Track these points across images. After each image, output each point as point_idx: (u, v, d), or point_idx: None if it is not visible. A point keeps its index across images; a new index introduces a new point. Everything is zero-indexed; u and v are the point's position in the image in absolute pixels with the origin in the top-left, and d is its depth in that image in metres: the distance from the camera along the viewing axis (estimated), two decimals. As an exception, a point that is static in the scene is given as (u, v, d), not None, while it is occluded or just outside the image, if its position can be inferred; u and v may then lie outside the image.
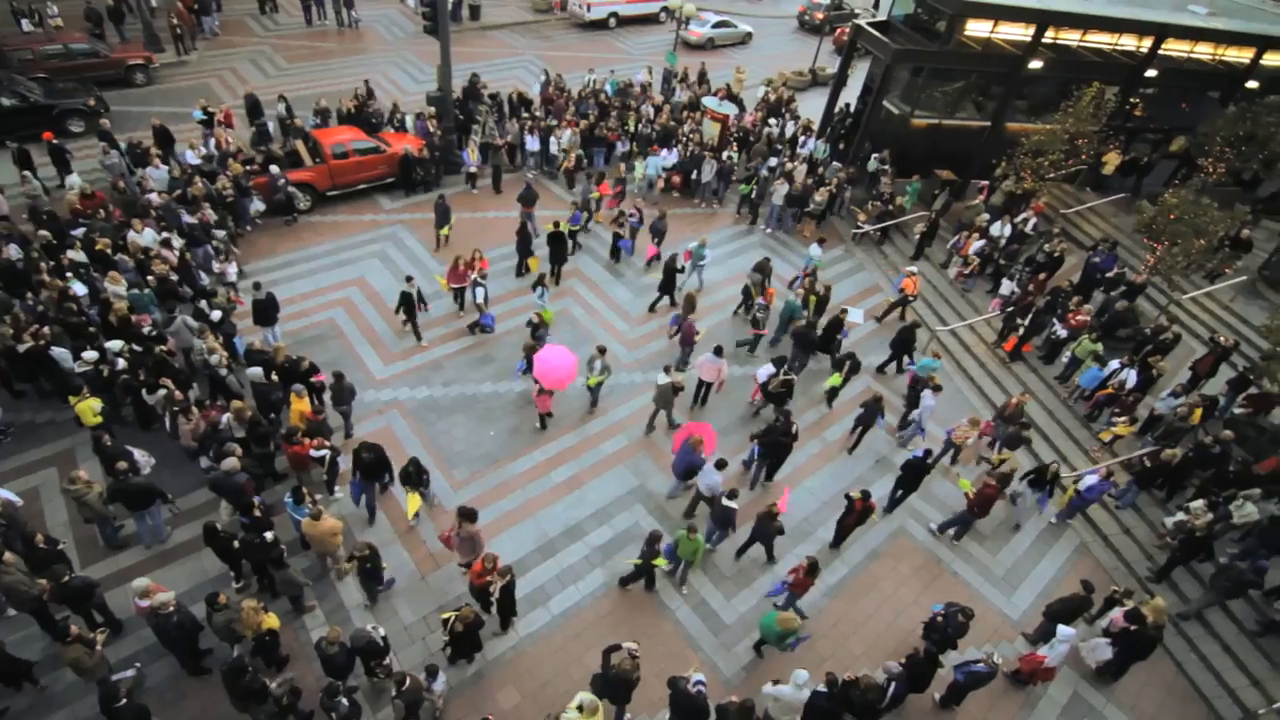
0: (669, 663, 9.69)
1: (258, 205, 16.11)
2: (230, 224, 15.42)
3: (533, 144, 19.33)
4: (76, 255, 13.06)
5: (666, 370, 12.53)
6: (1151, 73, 19.16)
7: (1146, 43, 19.03)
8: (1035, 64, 18.37)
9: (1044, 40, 18.43)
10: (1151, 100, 20.36)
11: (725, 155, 19.68)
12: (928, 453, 11.85)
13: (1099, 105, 17.11)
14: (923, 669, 9.12)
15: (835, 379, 13.54)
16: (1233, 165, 18.19)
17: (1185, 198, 14.99)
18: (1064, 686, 10.30)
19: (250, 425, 10.48)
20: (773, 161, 19.67)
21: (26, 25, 22.21)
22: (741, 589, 10.87)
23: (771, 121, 21.90)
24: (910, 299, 16.10)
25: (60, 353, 11.14)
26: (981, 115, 20.00)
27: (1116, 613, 10.06)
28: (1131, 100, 19.87)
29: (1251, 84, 19.42)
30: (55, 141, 16.03)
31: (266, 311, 12.78)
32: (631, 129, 20.43)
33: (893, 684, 9.03)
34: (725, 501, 10.54)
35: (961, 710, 9.79)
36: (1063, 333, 14.63)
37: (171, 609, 8.16)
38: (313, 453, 10.53)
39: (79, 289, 12.35)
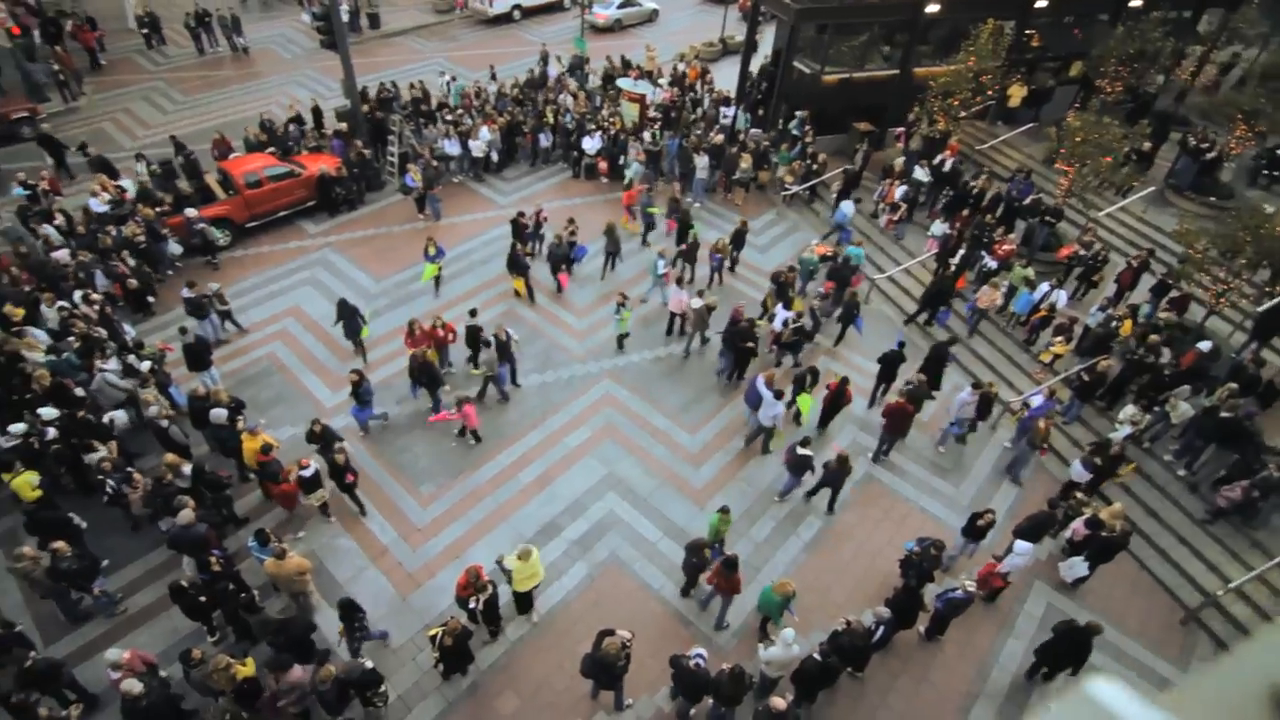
0: (663, 642, 9.80)
1: (174, 248, 15.45)
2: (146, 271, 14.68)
3: (452, 147, 18.95)
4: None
5: (700, 294, 14.24)
6: (1042, 2, 19.81)
7: (1034, -27, 19.66)
8: (932, 7, 18.77)
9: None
10: (1046, 29, 21.06)
11: (647, 135, 19.68)
12: (902, 344, 12.90)
13: (997, 40, 17.64)
14: (907, 605, 9.46)
15: (806, 401, 12.61)
16: (1129, 83, 19.02)
17: (1088, 119, 15.62)
18: (1038, 600, 10.80)
19: (195, 473, 10.13)
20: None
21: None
22: (722, 558, 11.05)
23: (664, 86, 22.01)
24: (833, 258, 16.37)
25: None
26: (889, 65, 20.42)
27: (1077, 523, 10.57)
28: (1027, 31, 20.52)
29: (1134, 3, 20.26)
30: None
31: (199, 356, 12.29)
32: (551, 121, 20.21)
33: (881, 627, 9.35)
34: (800, 450, 10.97)
35: (946, 639, 10.18)
36: (993, 264, 15.15)
37: (138, 692, 7.70)
38: (301, 473, 10.28)
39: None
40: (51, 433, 10.47)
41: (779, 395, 11.80)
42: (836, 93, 20.15)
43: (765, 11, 20.80)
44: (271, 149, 18.37)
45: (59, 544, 9.10)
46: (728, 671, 8.09)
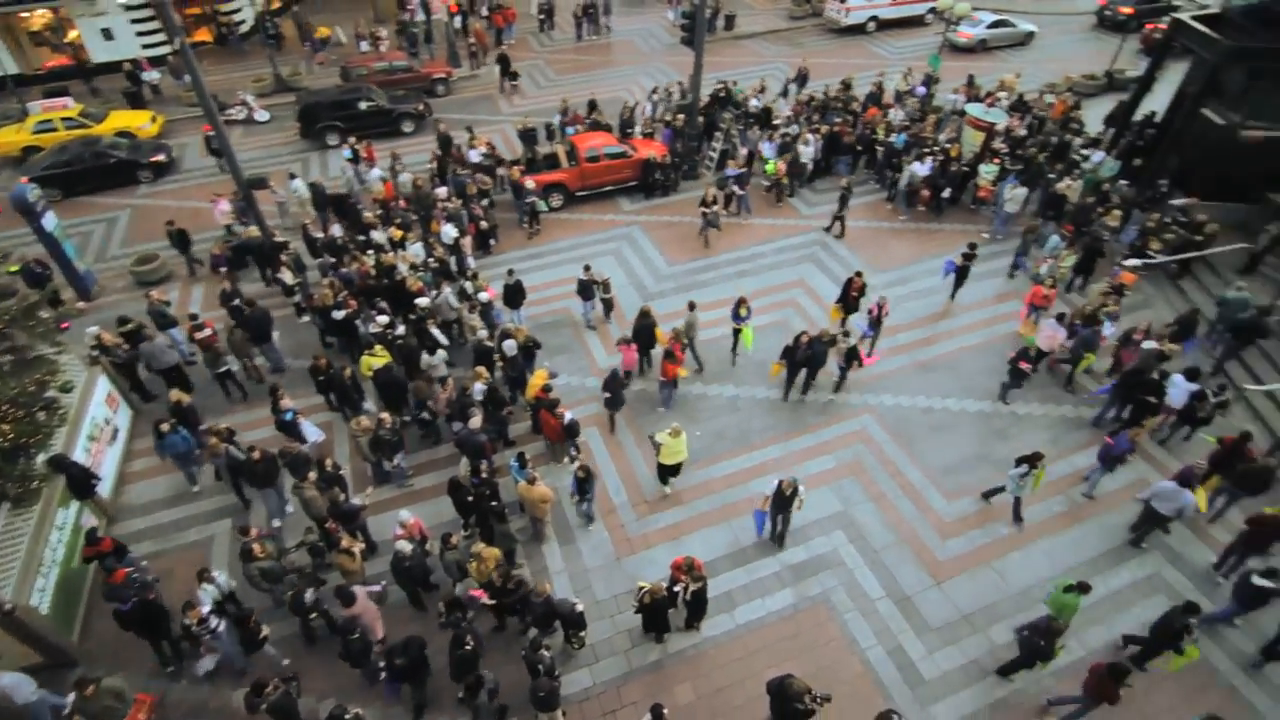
0: (851, 703, 9.09)
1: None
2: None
3: (770, 150, 19.19)
4: (380, 236, 15.71)
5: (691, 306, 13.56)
6: None
7: None
8: None
9: None
10: None
11: (984, 169, 17.84)
12: None
13: None
14: None
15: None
16: None
17: None
18: None
19: (489, 392, 11.79)
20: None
21: (365, 46, 27.29)
22: (947, 645, 9.81)
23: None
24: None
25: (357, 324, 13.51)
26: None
27: None
28: None
29: None
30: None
31: (514, 296, 14.27)
32: (881, 136, 19.38)
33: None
34: (1259, 580, 9.17)
35: None
36: None
37: (407, 553, 9.45)
38: (567, 417, 11.47)
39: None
40: (401, 329, 13.01)
41: (1185, 482, 10.16)
42: (1255, 154, 16.09)
43: (1179, 46, 17.36)
44: (609, 127, 20.44)
45: (385, 415, 11.34)
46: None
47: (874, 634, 9.94)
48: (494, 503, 10.61)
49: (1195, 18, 17.12)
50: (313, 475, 10.45)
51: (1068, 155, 18.42)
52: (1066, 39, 29.17)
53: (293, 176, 17.86)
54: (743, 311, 13.54)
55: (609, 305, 14.96)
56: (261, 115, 23.39)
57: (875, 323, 13.72)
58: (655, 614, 9.36)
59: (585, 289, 14.54)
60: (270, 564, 9.42)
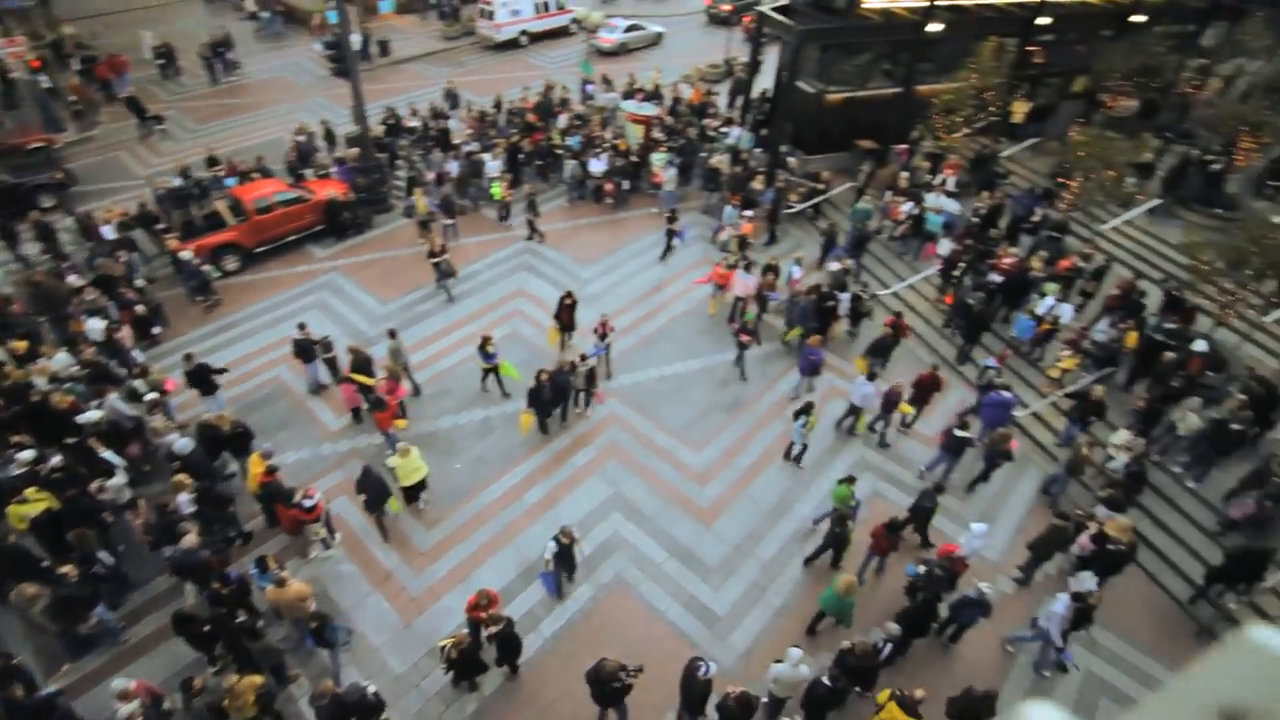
0: (668, 665, 9.63)
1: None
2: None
3: (456, 169, 19.11)
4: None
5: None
6: (1044, 20, 19.90)
7: (1035, -9, 19.82)
8: (934, 27, 18.91)
9: (939, 3, 19.01)
10: (1049, 46, 21.13)
11: (656, 157, 19.80)
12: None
13: (1000, 58, 17.73)
14: (918, 618, 9.41)
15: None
16: (1133, 96, 19.04)
17: (1091, 134, 15.63)
18: (1050, 619, 10.60)
19: (199, 494, 10.14)
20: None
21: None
22: (728, 578, 10.94)
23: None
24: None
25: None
26: (892, 83, 20.52)
27: (1083, 537, 10.40)
28: (1030, 48, 20.61)
29: (1138, 18, 20.34)
30: None
31: (202, 382, 12.30)
32: (558, 141, 20.41)
33: (889, 644, 9.22)
34: (958, 432, 11.72)
35: (959, 655, 10.01)
36: (997, 278, 15.06)
37: None
38: (305, 502, 10.27)
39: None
40: (56, 459, 10.50)
41: (872, 377, 12.82)
42: (839, 111, 20.25)
43: (768, 33, 20.99)
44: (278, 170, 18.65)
45: (67, 568, 9.11)
46: (735, 695, 7.96)
47: (668, 595, 10.68)
48: (240, 620, 9.16)
49: (774, 9, 20.83)
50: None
51: (708, 134, 21.29)
52: (689, 36, 33.45)
53: None
54: (490, 349, 13.11)
55: (333, 365, 13.68)
56: None
57: (602, 336, 13.83)
58: (468, 664, 8.95)
59: (304, 350, 13.14)
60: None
